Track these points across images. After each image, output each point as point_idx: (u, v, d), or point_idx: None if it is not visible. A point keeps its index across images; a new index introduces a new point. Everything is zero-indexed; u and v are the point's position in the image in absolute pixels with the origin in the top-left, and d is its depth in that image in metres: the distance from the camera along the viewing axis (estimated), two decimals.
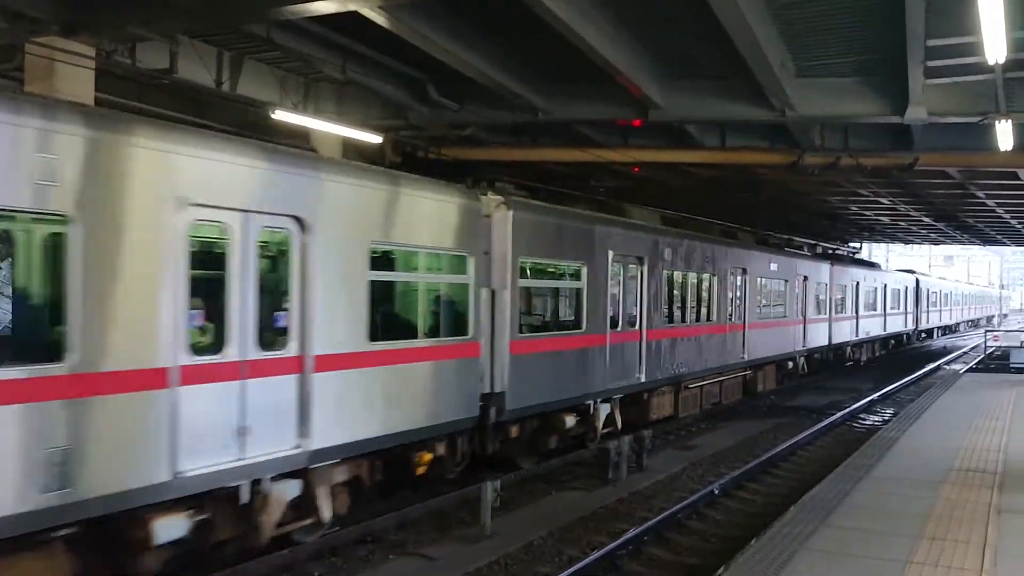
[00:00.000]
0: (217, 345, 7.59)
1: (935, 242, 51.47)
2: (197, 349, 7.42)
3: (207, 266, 7.70)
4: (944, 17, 11.20)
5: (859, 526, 7.11)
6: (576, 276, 13.42)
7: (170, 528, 7.08)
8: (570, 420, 13.13)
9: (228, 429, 7.48)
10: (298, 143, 15.11)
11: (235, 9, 11.16)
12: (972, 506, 7.72)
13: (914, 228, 38.87)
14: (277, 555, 8.67)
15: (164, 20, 11.54)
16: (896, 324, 38.55)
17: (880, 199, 26.96)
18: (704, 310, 18.11)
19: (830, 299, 27.32)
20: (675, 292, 16.86)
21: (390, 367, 9.47)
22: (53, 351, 6.32)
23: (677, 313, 16.89)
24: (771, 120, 15.64)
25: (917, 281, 44.14)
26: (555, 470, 13.24)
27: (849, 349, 30.99)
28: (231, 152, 7.73)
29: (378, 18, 11.36)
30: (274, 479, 7.92)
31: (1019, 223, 34.33)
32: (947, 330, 57.37)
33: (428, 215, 10.25)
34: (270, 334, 8.11)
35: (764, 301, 21.66)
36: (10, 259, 6.82)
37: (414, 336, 10.38)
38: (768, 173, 21.48)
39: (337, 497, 8.91)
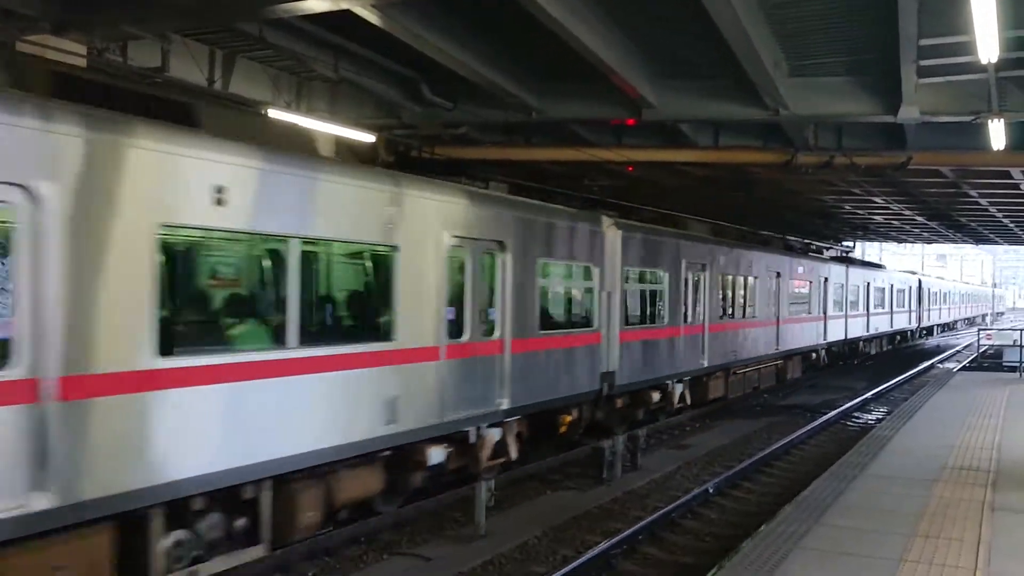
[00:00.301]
0: (459, 332, 10.46)
1: (928, 241, 51.62)
2: (450, 335, 10.25)
3: (454, 277, 10.53)
4: (936, 16, 11.22)
5: (853, 524, 7.10)
6: (661, 280, 16.53)
7: (436, 455, 10.06)
8: (655, 396, 16.19)
9: (465, 391, 10.37)
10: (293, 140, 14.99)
11: (227, 7, 11.13)
12: (966, 504, 7.72)
13: (907, 227, 38.98)
14: (272, 556, 8.64)
15: (156, 18, 11.49)
16: (901, 321, 41.10)
17: (873, 198, 27.03)
18: (748, 308, 21.06)
19: (845, 298, 30.06)
20: (726, 292, 19.75)
21: (551, 350, 12.52)
22: (384, 334, 9.28)
23: (728, 310, 19.78)
24: (765, 119, 15.65)
25: (920, 281, 46.55)
26: (549, 469, 13.24)
27: (861, 343, 33.67)
28: (465, 198, 10.70)
29: (371, 16, 11.33)
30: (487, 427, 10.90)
31: (1012, 222, 34.44)
32: (945, 327, 59.19)
33: (570, 236, 13.24)
34: (485, 325, 11.07)
35: (793, 300, 24.42)
36: (374, 273, 9.67)
37: (564, 327, 13.42)
38: (762, 172, 21.51)
39: (516, 444, 11.72)
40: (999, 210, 29.98)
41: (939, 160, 18.99)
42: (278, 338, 7.99)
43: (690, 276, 17.56)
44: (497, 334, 11.21)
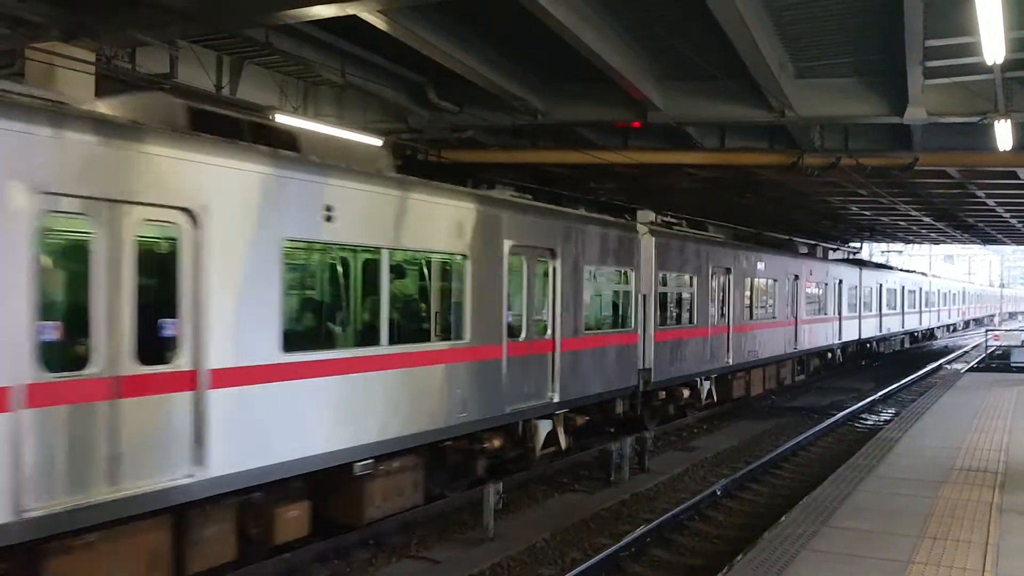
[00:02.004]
0: (517, 332, 11.47)
1: (935, 241, 51.48)
2: (510, 335, 11.25)
3: (513, 282, 11.54)
4: (942, 17, 11.22)
5: (861, 527, 7.11)
6: (690, 284, 17.32)
7: (496, 443, 11.15)
8: (685, 392, 17.14)
9: (522, 386, 11.39)
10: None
11: (234, 14, 11.19)
12: (974, 506, 7.72)
13: (914, 228, 38.89)
14: (282, 558, 8.69)
15: (164, 25, 11.55)
16: (912, 322, 41.62)
17: (880, 199, 26.99)
18: (769, 309, 21.94)
19: (859, 300, 30.80)
20: (749, 294, 20.53)
21: (595, 348, 13.38)
22: (457, 334, 10.25)
23: (750, 311, 20.56)
24: (770, 121, 15.66)
25: (930, 283, 47.02)
26: (557, 472, 13.26)
27: (874, 343, 34.23)
28: (522, 210, 11.78)
29: (377, 22, 11.38)
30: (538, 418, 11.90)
31: (1019, 222, 34.33)
32: (953, 328, 59.23)
33: (610, 242, 14.07)
34: (538, 325, 11.98)
35: (810, 301, 25.22)
36: (449, 280, 10.51)
37: (605, 328, 14.44)
38: (768, 174, 21.50)
39: (567, 434, 12.72)
40: (1006, 210, 29.90)
41: (946, 161, 18.97)
42: (373, 338, 9.05)
43: (716, 279, 18.45)
44: (548, 334, 12.18)
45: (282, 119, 13.78)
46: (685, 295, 17.35)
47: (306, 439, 8.05)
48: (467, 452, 10.83)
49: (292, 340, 8.01)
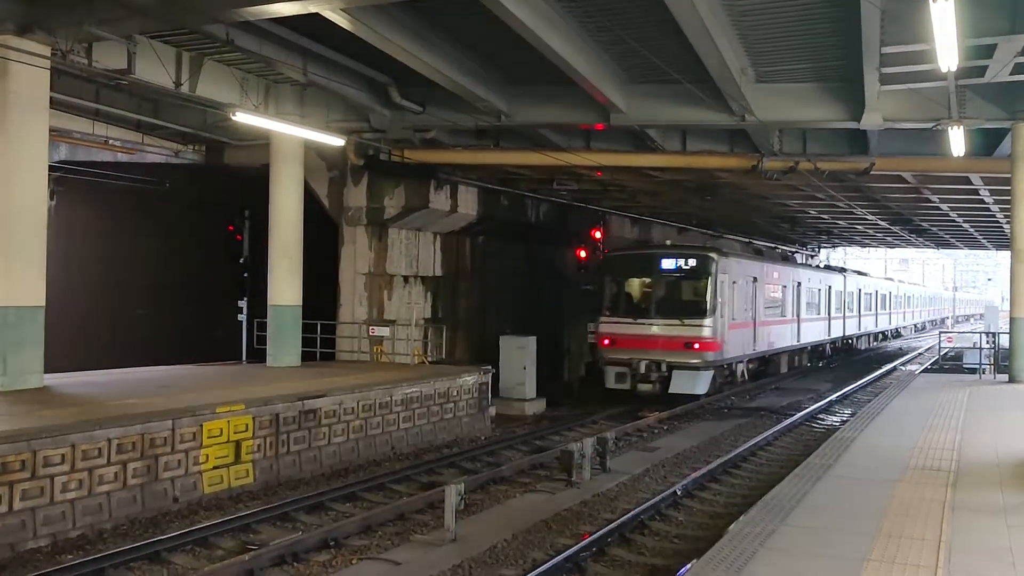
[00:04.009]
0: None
1: (891, 245, 52.46)
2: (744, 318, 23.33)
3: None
4: (899, 24, 11.43)
5: (818, 524, 7.21)
6: (743, 289, 23.14)
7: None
8: (739, 367, 24.15)
9: (751, 343, 23.66)
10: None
11: (194, 10, 11.03)
12: (927, 504, 7.86)
13: (871, 232, 39.58)
14: (238, 560, 8.59)
15: (121, 20, 11.37)
16: (883, 322, 47.10)
17: (837, 203, 27.43)
18: (780, 309, 26.80)
19: (844, 302, 35.79)
20: (767, 296, 25.46)
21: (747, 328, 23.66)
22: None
23: (766, 311, 25.23)
24: (731, 125, 15.83)
25: (898, 287, 53.68)
26: (518, 472, 13.27)
27: (855, 340, 39.65)
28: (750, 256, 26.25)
29: (340, 20, 11.29)
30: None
31: (971, 227, 35.09)
32: (919, 328, 64.87)
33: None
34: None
35: (808, 302, 29.85)
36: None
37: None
38: (728, 177, 21.74)
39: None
40: (959, 215, 30.55)
41: (901, 166, 19.33)
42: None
43: (750, 285, 23.57)
44: (750, 318, 23.33)
45: (243, 117, 13.66)
46: (738, 297, 22.57)
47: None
48: (761, 360, 25.08)
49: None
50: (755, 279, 23.72)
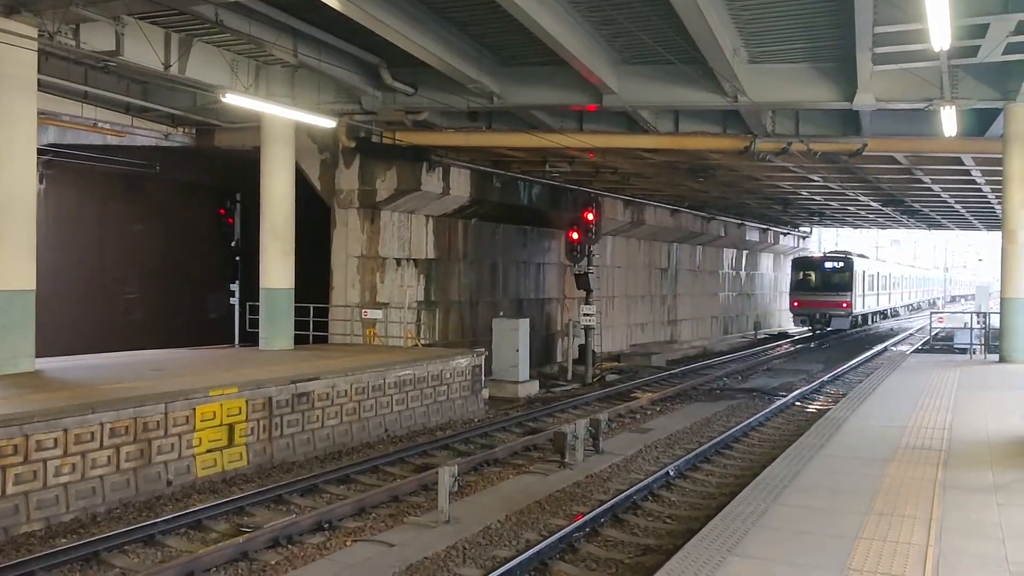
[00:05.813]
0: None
1: (883, 226, 52.57)
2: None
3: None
4: (892, 3, 11.40)
5: (810, 504, 7.25)
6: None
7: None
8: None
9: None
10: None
11: None
12: (918, 483, 7.91)
13: (863, 213, 39.69)
14: (232, 542, 8.61)
15: (108, 0, 11.25)
16: (884, 302, 53.71)
17: (830, 184, 27.43)
18: (875, 288, 45.44)
19: (864, 283, 44.69)
20: (871, 281, 41.17)
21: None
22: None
23: (868, 289, 41.41)
24: (724, 106, 15.78)
25: (901, 270, 61.98)
26: (512, 454, 13.31)
27: (870, 316, 49.53)
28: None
29: (330, 0, 11.20)
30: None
31: (963, 208, 35.16)
32: (912, 308, 68.11)
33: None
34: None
35: (881, 285, 47.39)
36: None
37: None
38: (721, 158, 21.71)
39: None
40: (951, 196, 30.59)
41: (893, 146, 19.33)
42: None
43: (865, 275, 38.18)
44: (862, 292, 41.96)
45: (234, 99, 13.55)
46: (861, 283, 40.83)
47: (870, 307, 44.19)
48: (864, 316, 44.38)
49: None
50: (864, 271, 42.14)
